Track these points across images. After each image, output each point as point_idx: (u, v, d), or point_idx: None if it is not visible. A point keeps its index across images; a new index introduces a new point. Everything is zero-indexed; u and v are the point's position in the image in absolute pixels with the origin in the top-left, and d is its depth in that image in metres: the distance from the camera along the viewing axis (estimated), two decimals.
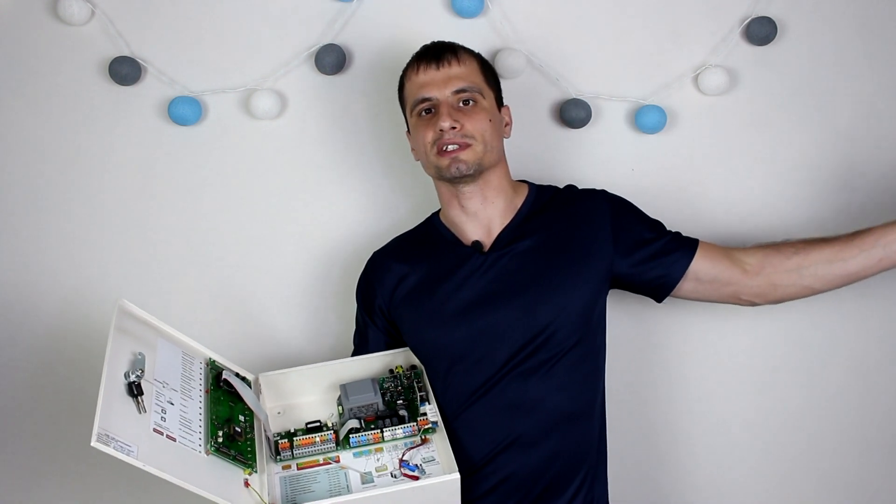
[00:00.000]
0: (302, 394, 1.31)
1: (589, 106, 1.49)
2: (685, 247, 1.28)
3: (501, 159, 1.29)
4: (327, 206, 1.54)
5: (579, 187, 1.35)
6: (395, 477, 1.15)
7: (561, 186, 1.36)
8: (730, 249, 1.30)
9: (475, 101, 1.24)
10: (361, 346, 1.38)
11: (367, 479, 1.15)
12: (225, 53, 1.49)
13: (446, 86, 1.23)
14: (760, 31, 1.46)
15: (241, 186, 1.52)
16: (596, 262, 1.25)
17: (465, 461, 1.22)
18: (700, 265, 1.27)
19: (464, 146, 1.22)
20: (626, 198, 1.34)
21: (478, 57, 1.30)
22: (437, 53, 1.26)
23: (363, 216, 1.54)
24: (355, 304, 1.41)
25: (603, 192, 1.34)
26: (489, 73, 1.30)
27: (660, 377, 1.59)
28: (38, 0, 1.45)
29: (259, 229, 1.54)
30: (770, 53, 1.49)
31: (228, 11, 1.48)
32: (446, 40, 1.30)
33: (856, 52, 1.50)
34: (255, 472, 1.13)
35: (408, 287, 1.30)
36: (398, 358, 1.32)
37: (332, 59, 1.46)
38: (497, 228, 1.28)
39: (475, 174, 1.24)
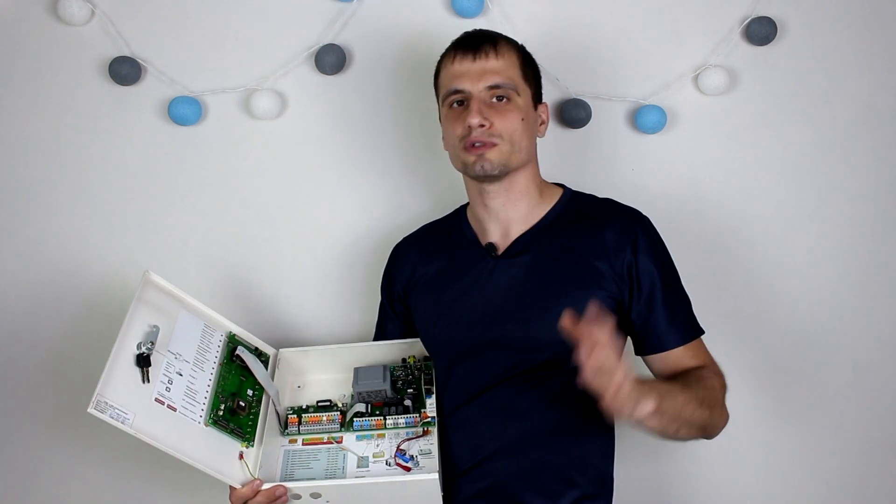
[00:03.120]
0: (319, 372, 1.34)
1: (589, 106, 1.49)
2: (672, 335, 1.20)
3: (531, 160, 1.24)
4: (327, 207, 1.54)
5: (622, 203, 1.28)
6: (389, 465, 1.16)
7: (599, 196, 1.29)
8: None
9: (509, 98, 1.18)
10: (379, 335, 1.39)
11: (362, 463, 1.17)
12: (225, 53, 1.49)
13: (480, 80, 1.18)
14: (760, 31, 1.46)
15: (241, 186, 1.53)
16: (605, 285, 1.19)
17: (454, 461, 1.21)
18: (659, 365, 1.21)
19: (490, 145, 1.17)
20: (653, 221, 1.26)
21: (519, 50, 1.23)
22: (475, 43, 1.19)
23: (363, 216, 1.54)
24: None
25: (643, 220, 1.24)
26: (529, 67, 1.24)
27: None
28: (38, 0, 1.45)
29: (258, 229, 1.54)
30: (770, 53, 1.49)
31: (228, 11, 1.48)
32: (488, 30, 1.23)
33: (856, 52, 1.50)
34: (252, 446, 1.16)
35: (423, 278, 1.29)
36: (413, 348, 1.33)
37: (332, 59, 1.46)
38: (515, 232, 1.24)
39: (500, 174, 1.19)
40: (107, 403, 1.02)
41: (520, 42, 1.26)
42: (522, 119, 1.19)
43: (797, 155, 1.52)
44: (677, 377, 1.18)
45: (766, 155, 1.52)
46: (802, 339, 1.57)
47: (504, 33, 1.25)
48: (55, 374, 1.56)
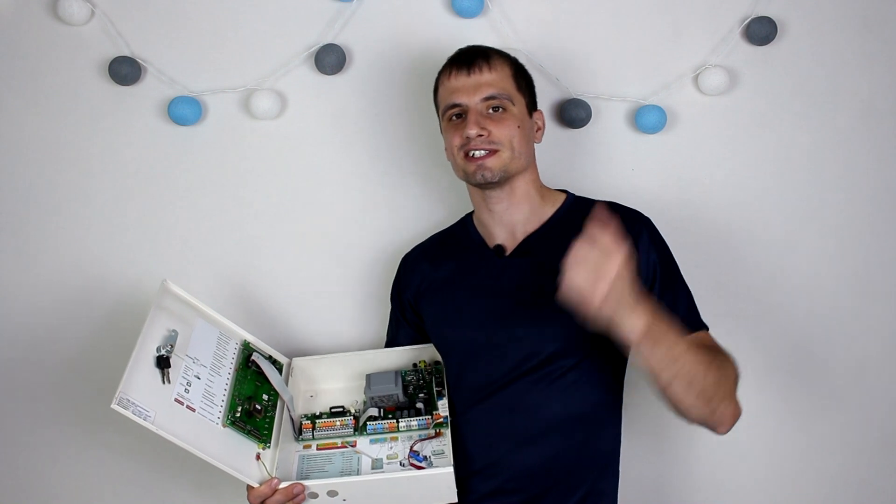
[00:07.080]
0: (332, 380, 1.37)
1: (589, 106, 1.49)
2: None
3: (530, 165, 1.28)
4: (327, 207, 1.54)
5: (625, 205, 1.29)
6: (404, 465, 1.18)
7: (599, 199, 1.31)
8: None
9: (504, 108, 1.24)
10: (390, 343, 1.43)
11: (377, 465, 1.19)
12: (225, 53, 1.49)
13: (476, 93, 1.23)
14: (760, 31, 1.46)
15: (241, 186, 1.52)
16: None
17: (467, 459, 1.22)
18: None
19: (491, 153, 1.22)
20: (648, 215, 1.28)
21: (512, 62, 1.29)
22: (469, 59, 1.26)
23: (362, 216, 1.54)
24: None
25: (646, 220, 1.27)
26: (522, 78, 1.29)
27: None
28: (38, 0, 1.45)
29: (258, 229, 1.54)
30: (770, 53, 1.49)
31: (228, 11, 1.48)
32: (481, 45, 1.29)
33: (856, 52, 1.50)
34: (268, 447, 1.19)
35: (434, 283, 1.33)
36: (424, 353, 1.36)
37: (332, 59, 1.46)
38: (521, 234, 1.28)
39: (501, 181, 1.24)
40: (129, 401, 1.06)
41: (512, 55, 1.30)
42: (518, 126, 1.24)
43: (797, 155, 1.52)
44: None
45: (766, 155, 1.52)
46: (803, 338, 1.57)
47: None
48: (56, 374, 1.56)
